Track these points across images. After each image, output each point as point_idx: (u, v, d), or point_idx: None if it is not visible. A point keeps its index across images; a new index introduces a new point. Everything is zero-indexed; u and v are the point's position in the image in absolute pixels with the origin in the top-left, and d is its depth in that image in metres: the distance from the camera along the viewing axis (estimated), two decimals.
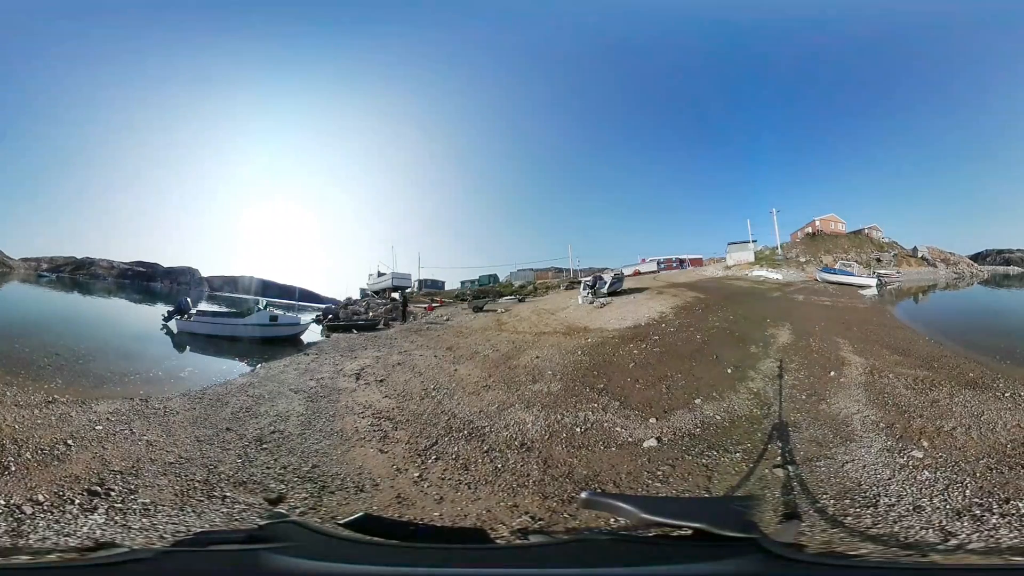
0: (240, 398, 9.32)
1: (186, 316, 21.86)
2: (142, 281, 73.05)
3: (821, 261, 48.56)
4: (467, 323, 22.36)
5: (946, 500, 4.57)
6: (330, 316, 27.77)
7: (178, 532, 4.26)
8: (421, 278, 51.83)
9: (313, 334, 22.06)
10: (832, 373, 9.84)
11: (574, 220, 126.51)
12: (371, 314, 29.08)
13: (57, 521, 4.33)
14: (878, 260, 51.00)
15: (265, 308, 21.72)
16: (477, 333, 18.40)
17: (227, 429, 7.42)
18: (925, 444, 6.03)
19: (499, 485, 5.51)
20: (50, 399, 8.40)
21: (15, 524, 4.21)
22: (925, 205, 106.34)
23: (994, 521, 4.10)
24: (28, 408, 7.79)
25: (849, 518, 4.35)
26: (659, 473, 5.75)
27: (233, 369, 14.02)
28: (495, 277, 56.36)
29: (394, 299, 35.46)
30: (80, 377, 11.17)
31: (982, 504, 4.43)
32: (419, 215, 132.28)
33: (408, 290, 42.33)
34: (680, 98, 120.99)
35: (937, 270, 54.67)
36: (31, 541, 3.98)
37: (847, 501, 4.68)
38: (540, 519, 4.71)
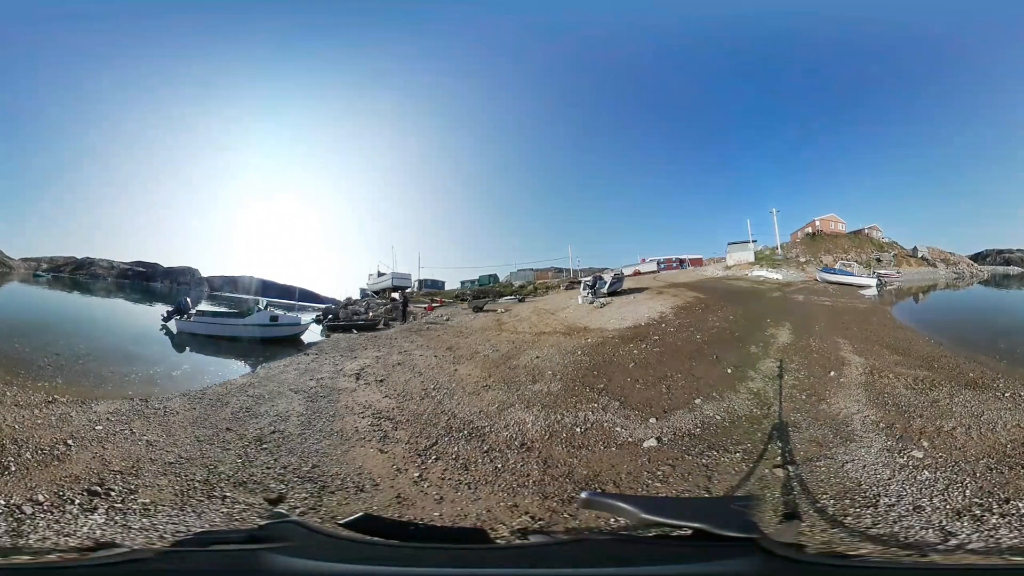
0: (240, 398, 9.31)
1: (186, 316, 21.80)
2: (142, 281, 73.09)
3: (821, 261, 48.60)
4: (467, 323, 22.34)
5: (946, 500, 4.57)
6: (330, 316, 27.70)
7: (178, 532, 4.26)
8: (421, 278, 51.82)
9: (313, 334, 22.01)
10: (832, 373, 9.84)
11: (574, 220, 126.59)
12: (371, 314, 29.03)
13: (57, 521, 4.33)
14: (878, 260, 51.06)
15: (265, 308, 21.65)
16: (477, 333, 18.40)
17: (227, 429, 7.42)
18: (925, 444, 6.03)
19: (499, 485, 5.50)
20: (50, 399, 8.41)
21: (15, 524, 4.21)
22: (925, 205, 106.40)
23: (994, 521, 4.10)
24: (28, 408, 7.80)
25: (849, 518, 4.34)
26: (659, 473, 5.75)
27: (233, 369, 14.01)
28: (495, 277, 56.41)
29: (394, 299, 35.42)
30: (80, 377, 11.18)
31: (982, 504, 4.43)
32: (419, 215, 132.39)
33: (408, 290, 42.27)
34: (680, 98, 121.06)
35: (937, 270, 54.71)
36: (31, 541, 3.98)
37: (847, 501, 4.68)
38: (540, 519, 4.70)
